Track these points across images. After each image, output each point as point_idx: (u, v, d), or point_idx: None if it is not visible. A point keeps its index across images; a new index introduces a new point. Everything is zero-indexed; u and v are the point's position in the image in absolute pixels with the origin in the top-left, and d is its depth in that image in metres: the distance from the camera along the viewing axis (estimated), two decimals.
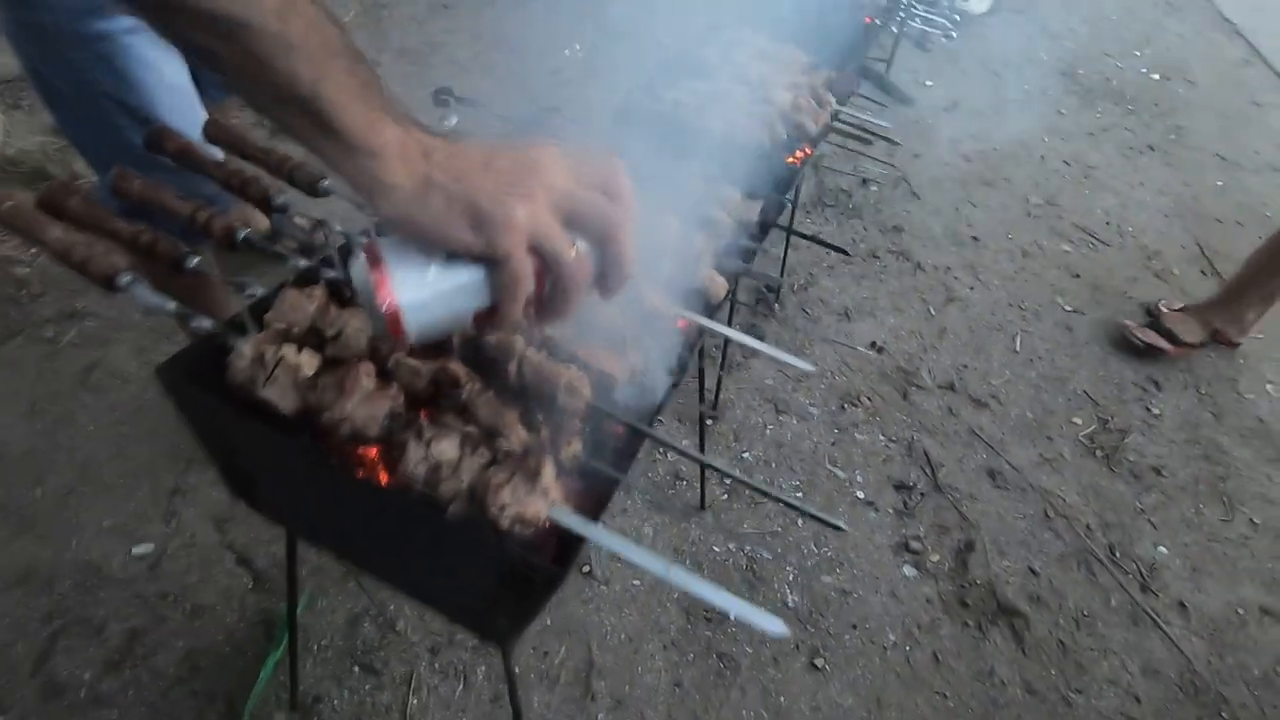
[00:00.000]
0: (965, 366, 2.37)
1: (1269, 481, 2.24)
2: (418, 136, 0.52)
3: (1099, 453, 2.21)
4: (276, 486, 0.85)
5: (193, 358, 0.72)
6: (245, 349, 0.71)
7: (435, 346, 0.76)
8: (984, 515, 1.95)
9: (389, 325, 0.52)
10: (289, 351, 0.70)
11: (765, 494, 0.68)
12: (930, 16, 2.24)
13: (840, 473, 1.97)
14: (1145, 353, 2.48)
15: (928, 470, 2.02)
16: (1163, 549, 1.99)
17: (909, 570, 1.78)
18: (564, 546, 0.66)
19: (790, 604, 1.66)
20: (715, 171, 1.20)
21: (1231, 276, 2.59)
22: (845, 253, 2.42)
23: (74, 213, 0.82)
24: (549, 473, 0.65)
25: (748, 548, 1.75)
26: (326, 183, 0.92)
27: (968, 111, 3.60)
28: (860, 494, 1.93)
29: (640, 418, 0.75)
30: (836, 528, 0.72)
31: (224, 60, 0.50)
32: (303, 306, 0.75)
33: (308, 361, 0.71)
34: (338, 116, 0.49)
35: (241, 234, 0.85)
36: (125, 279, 0.74)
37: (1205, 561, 1.98)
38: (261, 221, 0.91)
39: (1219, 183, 3.54)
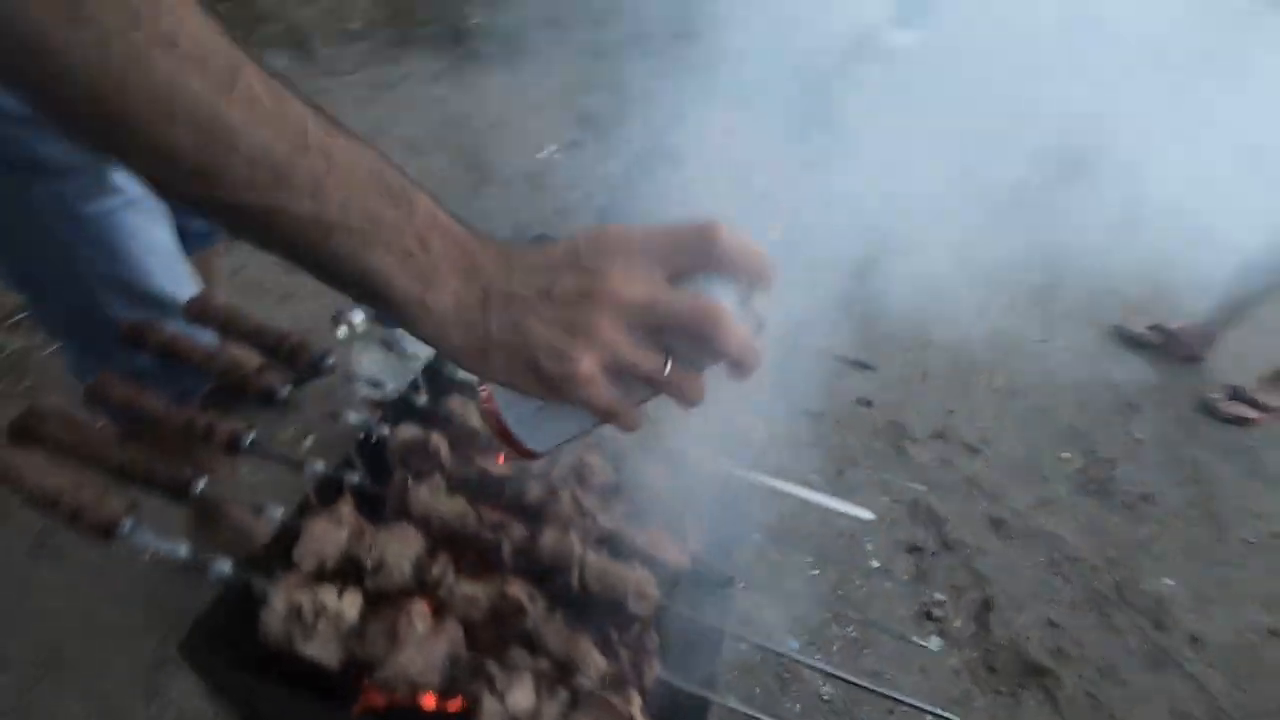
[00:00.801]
0: (952, 412, 2.39)
1: (1252, 497, 2.31)
2: (471, 279, 0.46)
3: (1092, 486, 2.24)
4: None
5: (215, 618, 0.63)
6: (276, 602, 0.63)
7: (487, 563, 0.69)
8: (996, 569, 1.94)
9: (515, 451, 0.52)
10: (328, 598, 0.63)
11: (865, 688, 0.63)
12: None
13: (850, 540, 1.95)
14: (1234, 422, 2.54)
15: (934, 528, 2.01)
16: (1167, 580, 2.01)
17: (935, 641, 1.75)
18: None
19: (825, 696, 1.61)
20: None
21: None
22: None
23: (54, 438, 0.73)
24: (637, 710, 0.59)
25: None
26: (331, 360, 0.85)
27: None
28: (875, 563, 1.91)
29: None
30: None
31: (271, 244, 0.45)
32: (333, 535, 0.67)
33: (350, 605, 0.63)
34: (388, 290, 0.45)
35: (248, 439, 0.78)
36: (127, 526, 0.66)
37: (1208, 588, 2.01)
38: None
39: None
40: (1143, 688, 1.75)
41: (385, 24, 3.89)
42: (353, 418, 0.82)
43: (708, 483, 0.80)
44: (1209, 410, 2.58)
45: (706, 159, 1.61)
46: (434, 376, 0.90)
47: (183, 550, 0.66)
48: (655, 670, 0.64)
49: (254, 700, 0.64)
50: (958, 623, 1.80)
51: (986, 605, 1.86)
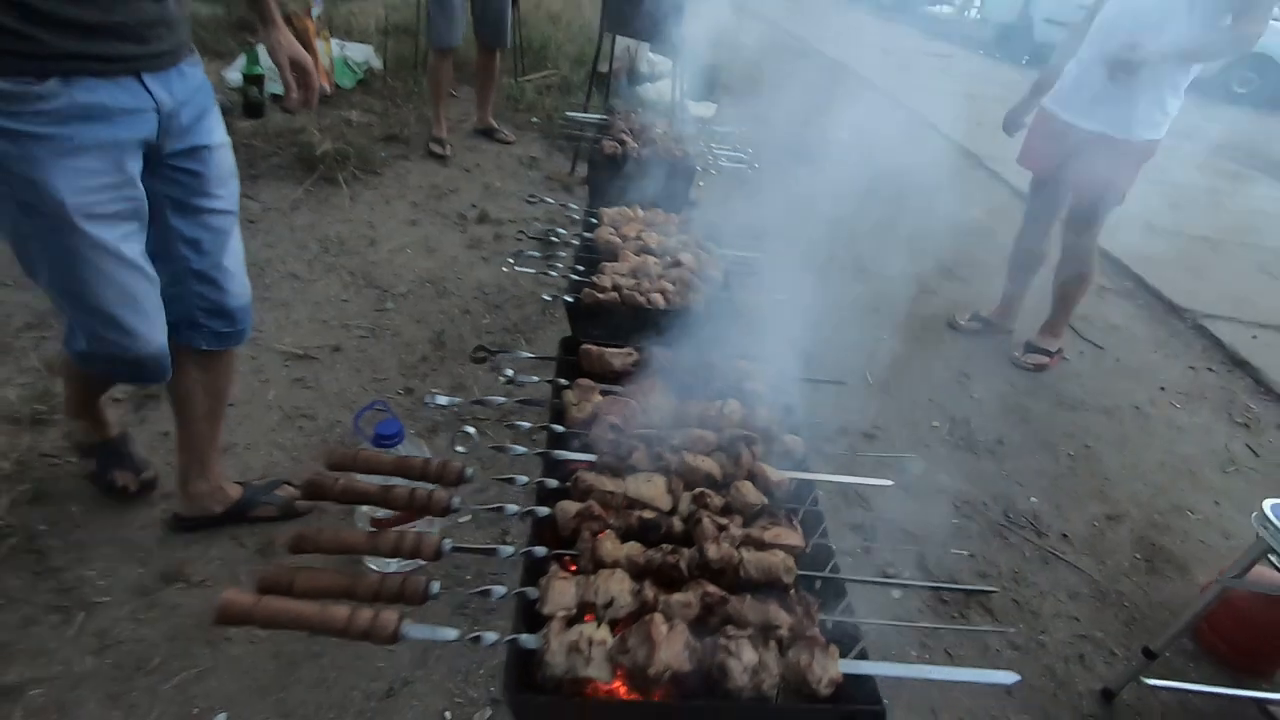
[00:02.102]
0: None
1: (1064, 422, 3.02)
2: None
3: (961, 443, 2.82)
4: None
5: (513, 677, 0.82)
6: (555, 644, 0.83)
7: (675, 579, 0.94)
8: (918, 525, 2.40)
9: None
10: (592, 631, 0.85)
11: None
12: (729, 152, 2.80)
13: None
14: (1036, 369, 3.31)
15: (861, 505, 2.44)
16: (1033, 499, 2.60)
17: (895, 591, 2.14)
18: (854, 691, 0.87)
19: None
20: (711, 348, 1.49)
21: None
22: None
23: (302, 588, 0.87)
24: (823, 640, 0.87)
25: None
26: (470, 471, 1.06)
27: None
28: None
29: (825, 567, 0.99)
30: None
31: None
32: (567, 590, 0.89)
33: (604, 633, 0.86)
34: None
35: (449, 546, 0.96)
36: (406, 629, 0.84)
37: (1059, 497, 2.63)
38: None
39: None
40: (1044, 583, 2.27)
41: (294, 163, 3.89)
42: (511, 508, 1.03)
43: (784, 487, 1.11)
44: (1017, 364, 3.33)
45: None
46: (551, 462, 1.13)
47: (452, 633, 0.85)
48: (817, 613, 0.92)
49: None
50: (906, 573, 2.22)
51: (922, 556, 2.30)
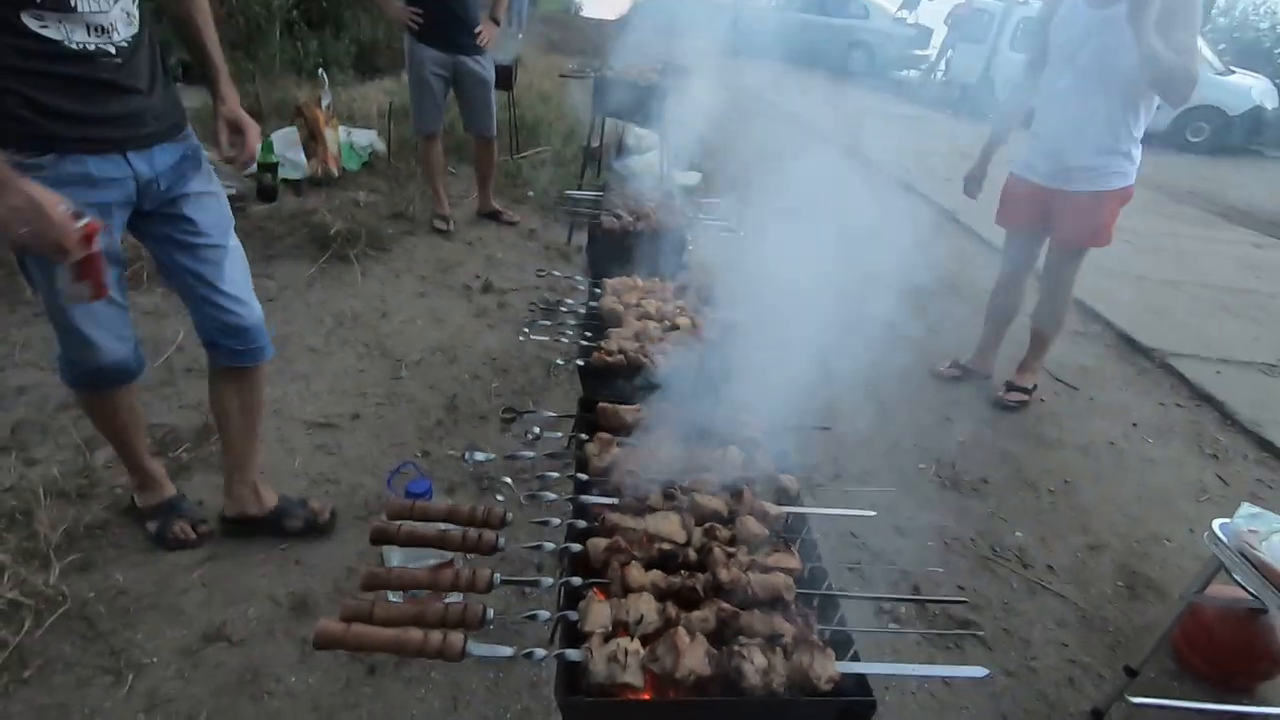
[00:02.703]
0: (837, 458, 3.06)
1: (1044, 460, 3.20)
2: None
3: (947, 483, 2.99)
4: None
5: (564, 685, 0.98)
6: (599, 655, 0.99)
7: (693, 600, 1.11)
8: (912, 562, 2.54)
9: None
10: (628, 644, 1.01)
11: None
12: (716, 221, 3.05)
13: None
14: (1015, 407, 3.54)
15: (859, 544, 2.59)
16: (1018, 533, 2.76)
17: (892, 626, 2.28)
18: (849, 687, 1.03)
19: None
20: (709, 397, 1.68)
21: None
22: None
23: (380, 617, 1.03)
24: (820, 643, 1.04)
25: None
26: (510, 515, 1.23)
27: None
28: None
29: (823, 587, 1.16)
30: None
31: None
32: (603, 611, 1.05)
33: (637, 646, 1.02)
34: None
35: (498, 579, 1.13)
36: (471, 648, 1.00)
37: (1042, 530, 2.79)
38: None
39: None
40: (1033, 612, 2.41)
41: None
42: (548, 545, 1.20)
43: (781, 520, 1.29)
44: (999, 405, 3.54)
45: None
46: (579, 506, 1.30)
47: (508, 650, 1.01)
48: (815, 623, 1.09)
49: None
50: (903, 610, 2.35)
51: (916, 589, 2.44)
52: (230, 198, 2.11)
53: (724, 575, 1.12)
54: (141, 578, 2.12)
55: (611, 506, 1.29)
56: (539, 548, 1.19)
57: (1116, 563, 2.68)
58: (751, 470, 1.40)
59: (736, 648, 1.02)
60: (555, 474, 1.38)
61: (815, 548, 1.27)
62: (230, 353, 1.94)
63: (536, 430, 1.47)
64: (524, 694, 1.89)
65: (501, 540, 1.17)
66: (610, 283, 2.45)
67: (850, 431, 3.21)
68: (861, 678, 1.02)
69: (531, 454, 1.42)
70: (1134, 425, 3.63)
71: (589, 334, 2.14)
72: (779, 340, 2.18)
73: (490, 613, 1.05)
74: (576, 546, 1.19)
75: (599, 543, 1.18)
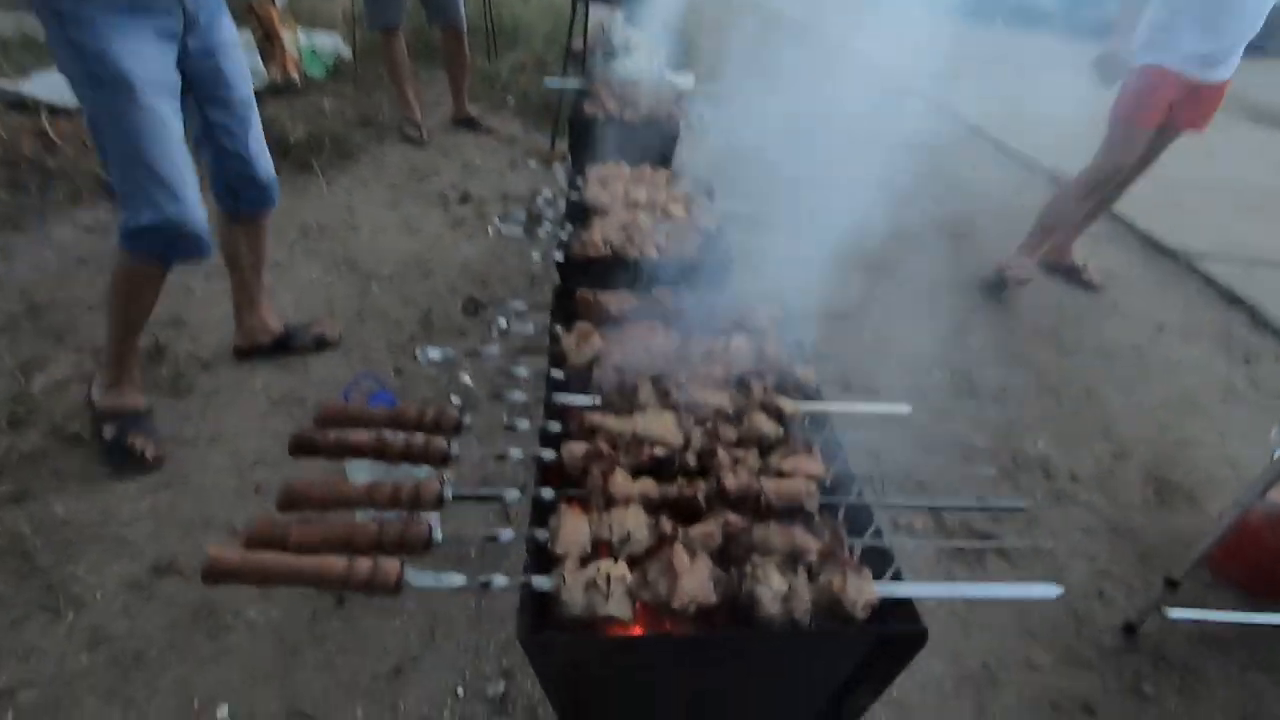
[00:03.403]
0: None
1: (1065, 366, 2.99)
2: None
3: (964, 391, 2.78)
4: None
5: (528, 620, 0.77)
6: (573, 583, 0.78)
7: (695, 512, 0.89)
8: (930, 476, 2.36)
9: None
10: (610, 567, 0.79)
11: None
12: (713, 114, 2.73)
13: None
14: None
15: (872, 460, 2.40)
16: (1039, 443, 2.57)
17: (910, 544, 2.11)
18: (890, 613, 0.82)
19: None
20: (713, 291, 1.44)
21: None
22: None
23: (297, 541, 0.81)
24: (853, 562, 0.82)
25: None
26: (468, 418, 1.00)
27: None
28: None
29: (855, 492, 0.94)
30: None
31: None
32: (580, 527, 0.84)
33: (622, 569, 0.80)
34: None
35: (450, 493, 0.91)
36: (410, 578, 0.78)
37: (1065, 439, 2.60)
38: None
39: None
40: (1056, 523, 2.24)
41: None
42: (515, 453, 0.97)
43: (799, 418, 1.06)
44: (1002, 281, 3.32)
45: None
46: (553, 406, 1.07)
47: (459, 579, 0.80)
48: (843, 534, 0.87)
49: (587, 659, 0.78)
50: (919, 525, 2.18)
51: (936, 511, 2.26)
52: None
53: (731, 481, 0.90)
54: (84, 509, 1.92)
55: (592, 406, 1.06)
56: (504, 457, 0.96)
57: (1144, 470, 2.50)
58: (761, 362, 1.16)
59: (749, 568, 0.81)
60: (525, 371, 1.14)
61: (840, 450, 1.05)
62: (250, 202, 2.14)
63: (504, 323, 1.23)
64: (509, 622, 1.72)
65: (456, 448, 0.94)
66: (594, 171, 2.15)
67: (859, 341, 2.98)
68: (906, 603, 0.82)
69: (498, 350, 1.18)
70: (1159, 329, 3.40)
71: (570, 226, 1.87)
72: (784, 235, 1.92)
73: (438, 533, 0.83)
74: (549, 453, 0.96)
75: (576, 448, 0.95)
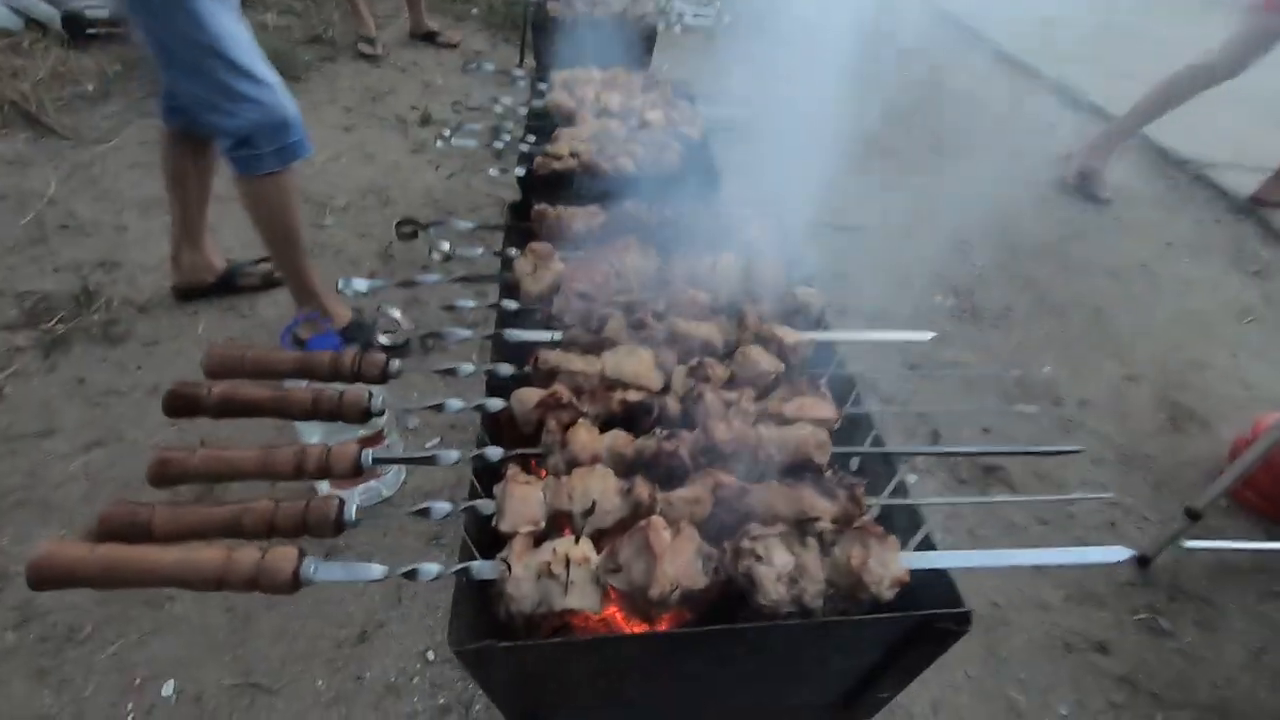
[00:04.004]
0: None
1: (1072, 286, 2.82)
2: None
3: (966, 315, 2.61)
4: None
5: (466, 622, 0.60)
6: (519, 571, 0.61)
7: (675, 472, 0.71)
8: (930, 404, 2.21)
9: None
10: (568, 548, 0.62)
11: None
12: (694, 8, 2.43)
13: None
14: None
15: (870, 391, 2.24)
16: (1046, 368, 2.42)
17: (911, 477, 1.97)
18: (922, 589, 0.66)
19: None
20: (693, 204, 1.22)
21: None
22: None
23: (165, 529, 0.64)
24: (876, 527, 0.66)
25: None
26: (396, 364, 0.81)
27: None
28: None
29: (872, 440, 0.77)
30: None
31: None
32: (532, 497, 0.66)
33: (587, 548, 0.63)
34: None
35: (369, 458, 0.72)
36: (311, 568, 0.61)
37: (1073, 362, 2.45)
38: None
39: None
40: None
41: (124, 79, 3.40)
42: (453, 405, 0.79)
43: (803, 350, 0.87)
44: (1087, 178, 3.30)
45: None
46: (503, 344, 0.88)
47: (377, 570, 0.62)
48: (861, 492, 0.70)
49: (534, 666, 0.61)
50: (919, 460, 2.05)
51: (935, 435, 2.12)
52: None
53: (721, 432, 0.72)
54: (8, 470, 1.73)
55: (551, 343, 0.87)
56: (440, 408, 0.77)
57: (1155, 394, 2.37)
58: (755, 284, 0.97)
59: (746, 543, 0.64)
60: (472, 303, 0.95)
61: (852, 387, 0.87)
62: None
63: (446, 246, 1.02)
64: None
65: (380, 401, 0.75)
66: (559, 75, 1.89)
67: (855, 263, 2.78)
68: (943, 575, 0.65)
69: (435, 278, 0.97)
70: (1168, 244, 3.22)
71: (532, 138, 1.63)
72: (775, 144, 1.69)
73: (352, 510, 0.65)
74: (497, 403, 0.78)
75: (529, 395, 0.77)
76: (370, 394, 0.75)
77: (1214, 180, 3.70)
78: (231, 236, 2.57)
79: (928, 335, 1.02)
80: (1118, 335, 2.62)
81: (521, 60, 4.06)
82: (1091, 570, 1.79)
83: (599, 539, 0.65)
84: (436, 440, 1.82)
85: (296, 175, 1.83)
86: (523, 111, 1.79)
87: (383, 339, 0.88)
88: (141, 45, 1.61)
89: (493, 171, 1.56)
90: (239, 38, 1.60)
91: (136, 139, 3.05)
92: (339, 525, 0.64)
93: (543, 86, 1.87)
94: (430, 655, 1.48)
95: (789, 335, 0.88)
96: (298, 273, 1.98)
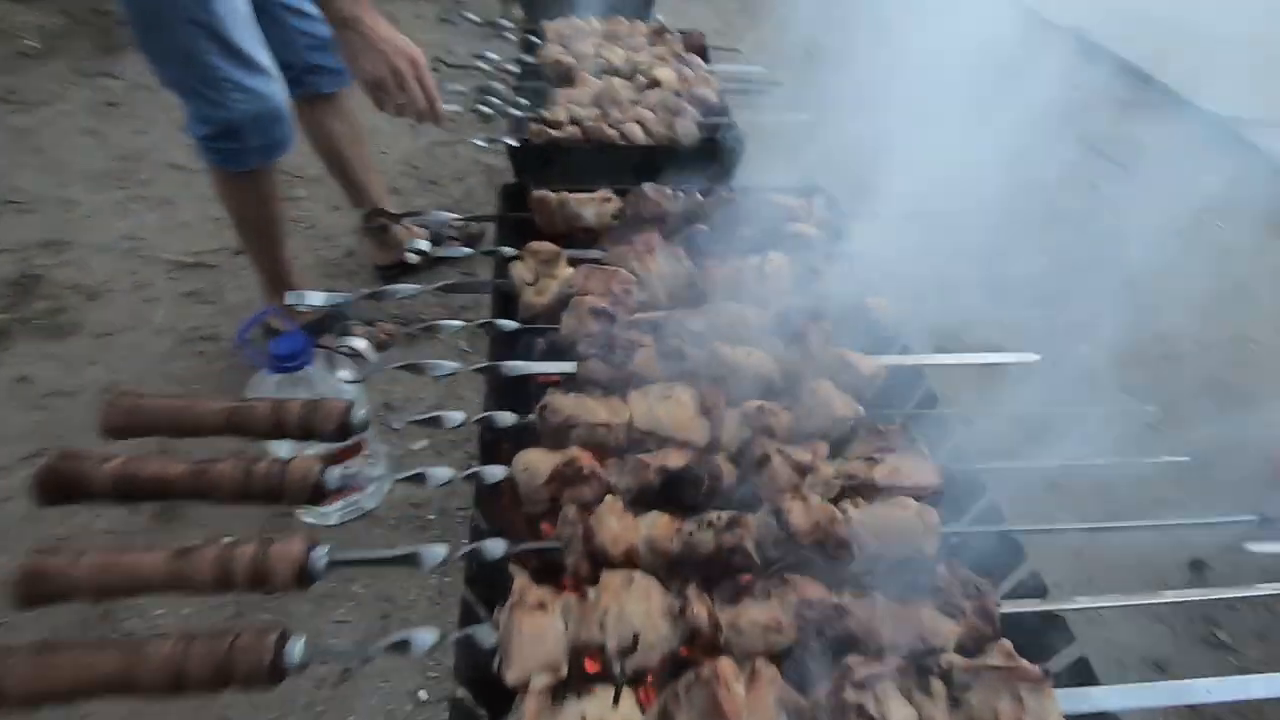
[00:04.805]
0: None
1: (1097, 258, 2.63)
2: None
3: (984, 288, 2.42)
4: None
5: None
6: None
7: (736, 572, 0.53)
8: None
9: None
10: (604, 710, 0.43)
11: None
12: None
13: None
14: None
15: None
16: (1083, 348, 2.25)
17: None
18: None
19: None
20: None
21: None
22: None
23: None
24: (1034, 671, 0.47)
25: None
26: (363, 414, 0.61)
27: None
28: None
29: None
30: None
31: None
32: (548, 631, 0.47)
33: (630, 710, 0.45)
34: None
35: (322, 559, 0.53)
36: (295, 652, 0.42)
37: (1107, 341, 2.28)
38: None
39: None
40: None
41: (70, 34, 3.09)
42: (438, 474, 0.59)
43: (880, 381, 0.68)
44: None
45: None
46: (500, 382, 0.68)
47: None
48: (995, 607, 0.52)
49: None
50: None
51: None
52: None
53: (799, 516, 0.53)
54: None
55: (562, 380, 0.67)
56: (419, 477, 0.58)
57: (1198, 374, 2.21)
58: (813, 292, 0.77)
59: (850, 694, 0.45)
60: (458, 323, 0.75)
61: (947, 434, 0.68)
62: (332, 72, 1.73)
63: (424, 246, 0.81)
64: None
65: (334, 475, 0.56)
66: (552, 26, 1.65)
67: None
68: None
69: (416, 288, 0.77)
70: (1202, 209, 3.02)
71: (525, 101, 1.40)
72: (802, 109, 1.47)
73: (298, 648, 0.47)
74: (496, 472, 0.59)
75: (538, 462, 0.57)
76: (323, 470, 0.55)
77: (1250, 139, 3.49)
78: (191, 211, 2.33)
79: (1034, 356, 0.84)
80: (1154, 310, 2.44)
81: (507, 8, 3.74)
82: (1144, 576, 1.65)
83: (639, 683, 0.47)
84: (424, 443, 1.63)
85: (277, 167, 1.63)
86: (514, 69, 1.56)
87: (345, 375, 0.68)
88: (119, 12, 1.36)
89: (479, 141, 1.34)
90: (240, 14, 1.36)
91: (85, 102, 2.76)
92: (275, 672, 0.45)
93: (534, 40, 1.62)
94: (422, 695, 1.32)
95: (864, 363, 0.69)
96: (275, 266, 1.79)
